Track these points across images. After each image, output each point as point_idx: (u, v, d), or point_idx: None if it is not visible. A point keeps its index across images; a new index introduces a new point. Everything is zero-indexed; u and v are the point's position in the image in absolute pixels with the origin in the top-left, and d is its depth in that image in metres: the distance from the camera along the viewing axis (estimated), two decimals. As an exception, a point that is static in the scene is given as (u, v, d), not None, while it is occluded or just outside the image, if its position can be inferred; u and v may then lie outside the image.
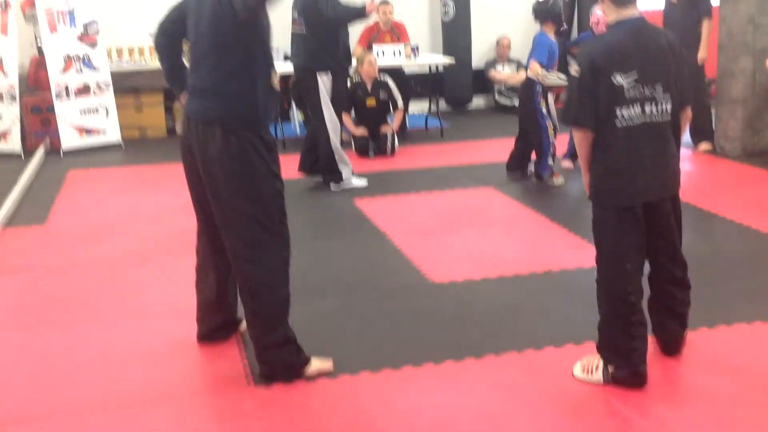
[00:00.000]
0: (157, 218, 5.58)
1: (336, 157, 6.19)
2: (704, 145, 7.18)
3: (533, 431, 2.82)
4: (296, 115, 8.74)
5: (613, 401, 3.00)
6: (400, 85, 7.98)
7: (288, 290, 3.21)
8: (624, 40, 2.97)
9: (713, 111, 7.22)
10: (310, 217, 5.52)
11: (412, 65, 8.65)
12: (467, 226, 5.29)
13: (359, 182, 6.36)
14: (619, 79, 2.93)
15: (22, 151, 7.79)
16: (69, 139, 7.99)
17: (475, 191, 6.15)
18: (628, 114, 2.96)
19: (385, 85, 7.68)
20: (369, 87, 7.62)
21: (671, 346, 3.32)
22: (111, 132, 8.27)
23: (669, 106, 3.00)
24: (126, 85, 8.63)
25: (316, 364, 3.26)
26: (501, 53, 9.82)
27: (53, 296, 4.24)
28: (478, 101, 10.05)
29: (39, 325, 3.86)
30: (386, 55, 8.26)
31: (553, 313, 3.86)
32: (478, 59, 9.81)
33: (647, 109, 2.97)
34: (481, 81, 9.81)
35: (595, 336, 3.29)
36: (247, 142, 3.04)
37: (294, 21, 6.11)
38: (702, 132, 7.17)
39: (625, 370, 3.07)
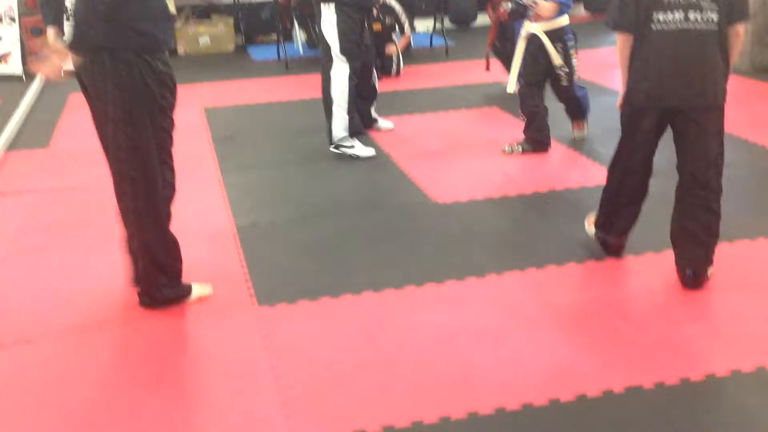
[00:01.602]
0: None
1: (333, 111, 5.08)
2: None
3: (533, 348, 2.86)
4: (299, 36, 8.61)
5: (613, 319, 3.02)
6: (405, 2, 7.81)
7: (168, 228, 3.17)
8: None
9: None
10: (313, 139, 5.47)
11: (416, -19, 8.48)
12: (472, 146, 5.25)
13: (361, 152, 5.13)
14: None
15: (23, 74, 7.72)
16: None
17: (480, 111, 6.09)
18: (665, 18, 3.03)
19: (392, 10, 7.51)
20: (375, 11, 7.45)
21: (690, 277, 3.19)
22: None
23: (715, 16, 3.00)
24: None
25: (196, 291, 3.28)
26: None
27: (57, 219, 4.26)
28: (483, 18, 9.86)
29: (43, 247, 3.89)
30: (390, -29, 8.08)
31: (556, 232, 3.86)
32: (484, -25, 9.58)
33: (691, 15, 3.00)
34: (487, -3, 9.61)
35: (595, 255, 3.32)
36: (136, 72, 2.89)
37: None
38: None
39: (603, 235, 3.48)
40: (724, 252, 3.42)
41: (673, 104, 3.09)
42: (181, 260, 3.25)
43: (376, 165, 4.96)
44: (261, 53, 8.70)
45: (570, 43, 4.86)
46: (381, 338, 2.97)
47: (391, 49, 7.45)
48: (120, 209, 3.12)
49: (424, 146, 5.28)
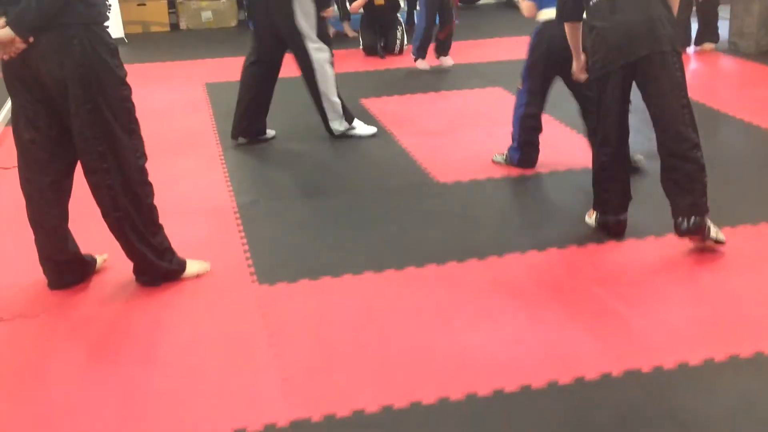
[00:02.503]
0: (162, 116, 5.55)
1: (324, 105, 4.95)
2: (708, 46, 6.93)
3: (532, 331, 2.86)
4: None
5: (613, 302, 3.02)
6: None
7: (152, 199, 3.12)
8: None
9: (729, 8, 7.02)
10: (315, 116, 5.44)
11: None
12: (474, 125, 5.24)
13: (363, 131, 5.06)
14: None
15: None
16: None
17: (483, 91, 6.06)
18: None
19: None
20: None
21: (683, 225, 3.27)
22: (113, 27, 8.05)
23: None
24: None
25: (194, 267, 3.27)
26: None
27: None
28: (488, -4, 9.80)
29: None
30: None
31: (557, 213, 3.86)
32: (489, -48, 9.52)
33: None
34: (492, -25, 9.54)
35: (596, 238, 3.32)
36: (89, 46, 2.83)
37: None
38: (707, 31, 6.95)
39: (601, 217, 3.53)
40: (725, 236, 3.41)
41: (627, 59, 3.27)
42: (163, 232, 3.19)
43: (379, 144, 4.95)
44: (264, 29, 8.65)
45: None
46: (381, 319, 2.97)
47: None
48: (92, 186, 3.04)
49: (427, 125, 5.26)
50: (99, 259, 3.36)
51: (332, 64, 4.90)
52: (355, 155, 4.77)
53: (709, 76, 6.51)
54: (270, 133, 5.08)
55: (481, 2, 9.78)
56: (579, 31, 3.59)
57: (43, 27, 2.79)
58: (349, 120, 5.01)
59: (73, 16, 2.81)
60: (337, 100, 4.95)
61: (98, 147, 2.95)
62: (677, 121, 3.26)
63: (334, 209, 3.99)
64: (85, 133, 2.93)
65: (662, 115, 3.30)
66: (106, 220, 3.11)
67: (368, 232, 3.71)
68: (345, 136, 4.99)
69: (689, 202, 3.27)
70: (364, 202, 4.07)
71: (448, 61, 6.76)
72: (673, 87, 3.26)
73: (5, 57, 2.84)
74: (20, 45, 2.80)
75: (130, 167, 3.03)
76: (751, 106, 5.31)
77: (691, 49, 6.95)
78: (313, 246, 3.59)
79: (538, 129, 4.33)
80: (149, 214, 3.13)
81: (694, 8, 6.92)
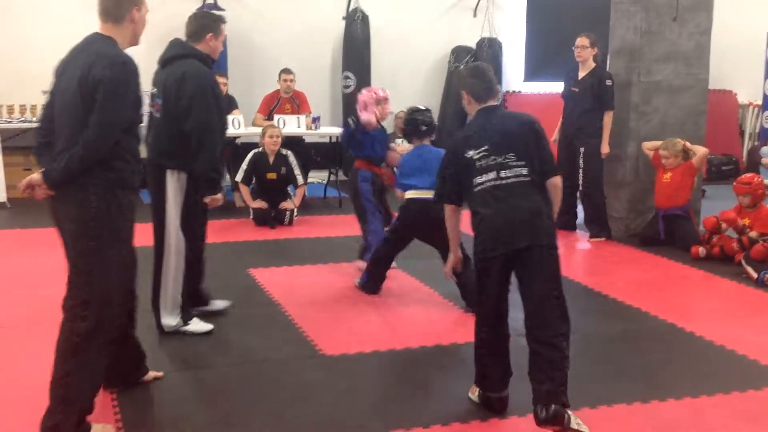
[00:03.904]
0: (42, 283, 5.37)
1: (161, 297, 4.46)
2: (599, 240, 7.05)
3: None
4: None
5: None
6: (300, 155, 8.02)
7: (103, 364, 3.26)
8: (478, 124, 3.57)
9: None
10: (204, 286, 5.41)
11: (312, 135, 8.73)
12: (362, 298, 5.29)
13: (199, 328, 4.58)
14: (471, 153, 3.48)
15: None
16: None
17: (371, 263, 6.17)
18: (481, 180, 3.46)
19: (286, 161, 7.70)
20: (271, 160, 7.63)
21: (542, 414, 3.21)
22: (-3, 191, 8.01)
23: (524, 171, 3.44)
24: (15, 143, 8.41)
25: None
26: (400, 127, 10.00)
27: None
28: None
29: None
30: (288, 124, 8.32)
31: (442, 388, 3.88)
32: (377, 132, 9.95)
33: (502, 173, 3.43)
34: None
35: (480, 415, 3.33)
36: (103, 204, 3.11)
37: (152, 100, 4.45)
38: (598, 225, 7.10)
39: (483, 394, 3.58)
40: (601, 416, 3.48)
41: (507, 248, 3.40)
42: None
43: (266, 315, 4.92)
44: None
45: None
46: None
47: (286, 205, 7.57)
48: (64, 332, 3.16)
49: (316, 296, 5.29)
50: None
51: (186, 257, 4.47)
52: (240, 326, 4.71)
53: (583, 256, 6.86)
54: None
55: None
56: (457, 218, 3.67)
57: (68, 182, 3.12)
58: (186, 318, 4.55)
59: (94, 178, 3.11)
60: (178, 296, 4.49)
61: (83, 295, 3.14)
62: (546, 311, 3.35)
63: (217, 382, 3.89)
64: (78, 281, 3.16)
65: (533, 304, 3.38)
66: (59, 353, 3.18)
67: (250, 408, 3.62)
68: (177, 333, 4.52)
69: (547, 389, 3.25)
70: (247, 375, 3.99)
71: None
72: (547, 279, 3.38)
73: (37, 197, 3.23)
74: (46, 191, 3.18)
75: (110, 320, 3.18)
76: (623, 287, 5.59)
77: (578, 234, 7.28)
78: (192, 422, 3.46)
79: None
80: (98, 379, 3.22)
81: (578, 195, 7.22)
